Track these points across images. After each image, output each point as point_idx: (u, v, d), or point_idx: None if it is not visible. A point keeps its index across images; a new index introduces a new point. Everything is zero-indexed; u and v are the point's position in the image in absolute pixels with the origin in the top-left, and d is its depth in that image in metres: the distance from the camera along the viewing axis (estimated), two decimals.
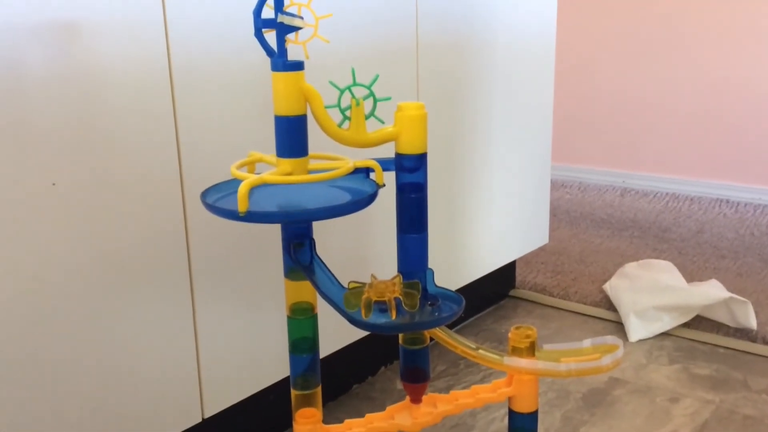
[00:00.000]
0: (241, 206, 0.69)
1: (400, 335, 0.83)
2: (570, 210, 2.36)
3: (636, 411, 1.24)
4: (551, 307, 1.66)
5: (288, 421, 1.14)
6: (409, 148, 0.75)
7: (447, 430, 1.19)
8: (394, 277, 0.74)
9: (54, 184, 0.78)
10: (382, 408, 0.86)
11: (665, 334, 1.50)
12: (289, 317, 0.80)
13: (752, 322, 1.47)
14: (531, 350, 0.80)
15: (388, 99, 0.78)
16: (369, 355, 1.34)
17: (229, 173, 0.91)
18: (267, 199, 0.74)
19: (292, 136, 0.74)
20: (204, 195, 0.75)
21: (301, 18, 0.73)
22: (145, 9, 0.83)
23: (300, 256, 0.77)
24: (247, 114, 0.97)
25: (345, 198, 0.74)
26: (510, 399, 0.82)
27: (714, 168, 2.52)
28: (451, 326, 0.80)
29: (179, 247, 0.91)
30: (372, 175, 0.78)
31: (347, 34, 1.08)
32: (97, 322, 0.85)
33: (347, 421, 0.82)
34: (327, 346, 1.12)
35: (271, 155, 0.77)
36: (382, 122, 0.76)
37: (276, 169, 0.75)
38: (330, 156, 0.79)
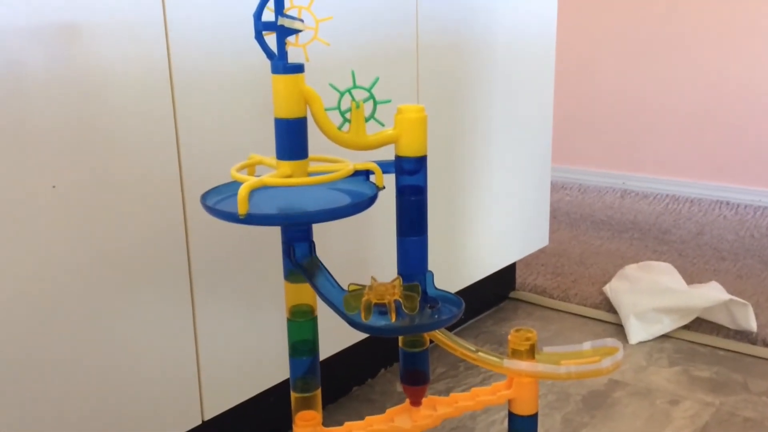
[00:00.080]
0: (241, 209, 0.69)
1: (400, 338, 0.83)
2: (570, 212, 2.36)
3: (636, 413, 1.24)
4: (551, 309, 1.66)
5: (288, 424, 1.14)
6: (409, 150, 0.75)
7: None
8: (394, 280, 0.74)
9: (54, 187, 0.78)
10: (381, 410, 0.86)
11: (665, 336, 1.50)
12: (288, 320, 0.80)
13: (752, 325, 1.47)
14: (531, 353, 0.80)
15: (388, 101, 0.78)
16: (369, 357, 1.34)
17: (228, 174, 0.91)
18: (267, 201, 0.74)
19: (292, 138, 0.74)
20: (204, 197, 0.75)
21: (302, 21, 0.73)
22: (145, 10, 0.83)
23: (300, 258, 0.77)
24: (247, 115, 0.97)
25: (345, 200, 0.74)
26: (510, 402, 0.82)
27: (714, 170, 2.52)
28: (450, 328, 0.80)
29: (179, 248, 0.91)
30: (372, 178, 0.78)
31: (347, 36, 1.08)
32: (97, 323, 0.85)
33: (347, 423, 0.82)
34: (327, 348, 1.12)
35: (271, 158, 0.77)
36: (382, 125, 0.76)
37: (276, 172, 0.75)
38: (330, 158, 0.79)
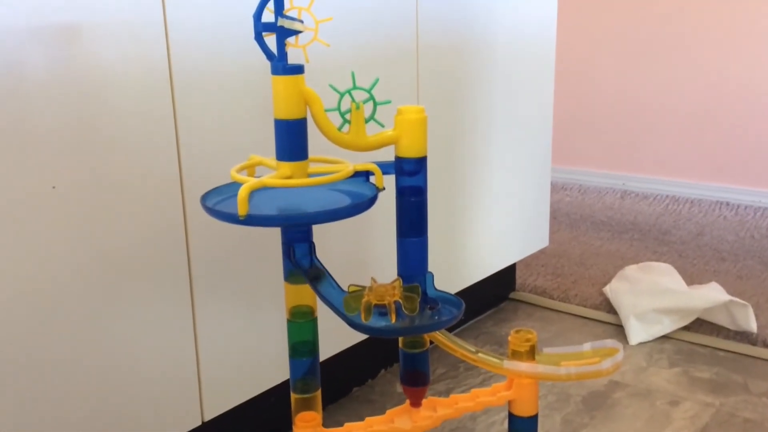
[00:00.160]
0: (241, 209, 0.69)
1: (400, 338, 0.83)
2: (570, 212, 2.36)
3: (636, 414, 1.24)
4: (551, 309, 1.66)
5: (288, 425, 1.14)
6: (409, 151, 0.75)
7: None
8: (394, 281, 0.74)
9: (54, 187, 0.78)
10: (382, 411, 0.86)
11: (665, 337, 1.50)
12: (288, 321, 0.80)
13: (752, 325, 1.47)
14: (531, 354, 0.80)
15: (388, 102, 0.78)
16: (369, 358, 1.34)
17: (228, 174, 0.91)
18: (267, 202, 0.74)
19: (292, 139, 0.74)
20: (204, 198, 0.75)
21: (301, 22, 0.73)
22: (145, 11, 0.83)
23: (300, 259, 0.77)
24: (247, 116, 0.97)
25: (345, 201, 0.74)
26: (510, 403, 0.82)
27: (714, 170, 2.52)
28: (450, 329, 0.80)
29: (179, 248, 0.91)
30: (372, 179, 0.78)
31: (347, 37, 1.08)
32: (97, 323, 0.84)
33: (347, 424, 0.82)
34: (327, 349, 1.12)
35: (271, 158, 0.77)
36: (382, 126, 0.76)
37: (276, 173, 0.75)
38: (330, 159, 0.79)
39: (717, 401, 1.28)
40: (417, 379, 0.83)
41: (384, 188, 0.77)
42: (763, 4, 2.36)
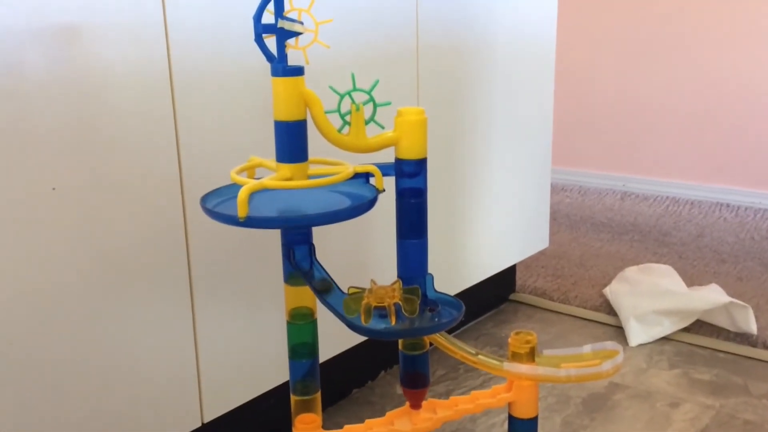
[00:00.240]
0: (241, 211, 0.69)
1: (400, 340, 0.83)
2: (570, 214, 2.35)
3: (636, 416, 1.24)
4: (551, 311, 1.66)
5: (288, 427, 1.14)
6: (409, 153, 0.75)
7: None
8: (394, 283, 0.74)
9: (54, 189, 0.78)
10: (381, 413, 0.86)
11: (665, 339, 1.50)
12: (288, 322, 0.80)
13: (752, 327, 1.47)
14: (531, 356, 0.80)
15: (388, 104, 0.78)
16: (369, 359, 1.34)
17: (228, 175, 0.91)
18: (267, 204, 0.74)
19: (292, 141, 0.74)
20: (204, 200, 0.75)
21: (302, 23, 0.73)
22: (145, 11, 0.83)
23: (299, 261, 0.77)
24: (247, 116, 0.96)
25: (345, 203, 0.74)
26: (510, 404, 0.82)
27: (714, 171, 2.52)
28: (450, 330, 0.80)
29: (179, 249, 0.91)
30: (372, 180, 0.78)
31: (347, 38, 1.08)
32: (97, 324, 0.84)
33: (347, 426, 0.82)
34: (327, 351, 1.12)
35: (271, 160, 0.77)
36: (382, 127, 0.76)
37: (276, 174, 0.75)
38: (330, 161, 0.79)
39: (717, 403, 1.28)
40: (417, 381, 0.83)
41: (384, 190, 0.77)
42: (763, 4, 2.36)
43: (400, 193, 0.76)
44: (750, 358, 1.43)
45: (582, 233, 2.15)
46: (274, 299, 1.03)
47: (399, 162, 0.76)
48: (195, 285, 0.94)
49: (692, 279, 1.78)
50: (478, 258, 1.45)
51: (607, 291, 1.65)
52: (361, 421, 0.83)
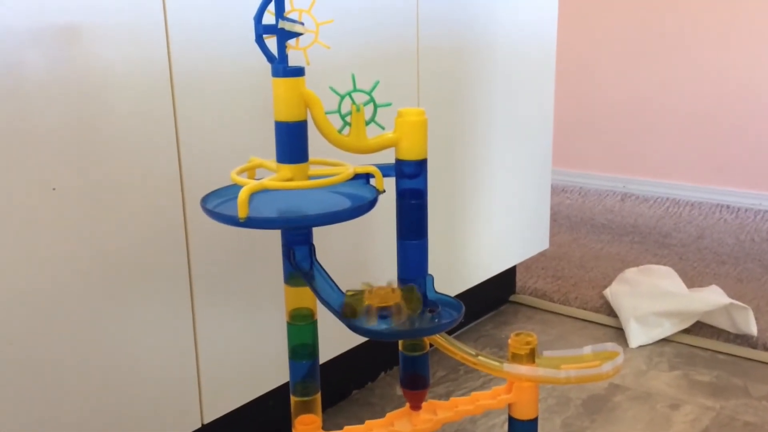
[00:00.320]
0: (241, 212, 0.69)
1: (400, 341, 0.83)
2: (570, 215, 2.35)
3: (636, 417, 1.24)
4: (551, 312, 1.66)
5: (288, 427, 1.13)
6: (410, 154, 0.75)
7: None
8: (391, 284, 0.74)
9: (54, 189, 0.78)
10: (381, 414, 0.86)
11: (665, 340, 1.50)
12: (288, 323, 0.80)
13: (753, 329, 1.46)
14: (531, 357, 0.79)
15: (389, 105, 0.77)
16: (369, 360, 1.34)
17: (229, 176, 0.91)
18: (267, 204, 0.73)
19: (292, 141, 0.74)
20: (204, 200, 0.75)
21: (302, 24, 0.73)
22: (145, 12, 0.83)
23: (300, 261, 0.77)
24: (248, 117, 0.96)
25: (345, 204, 0.74)
26: (510, 406, 0.82)
27: (715, 173, 2.52)
28: (450, 332, 0.80)
29: (179, 249, 0.91)
30: (372, 181, 0.78)
31: (348, 39, 1.08)
32: (97, 324, 0.84)
33: (347, 427, 0.82)
34: (326, 352, 1.12)
35: (271, 161, 0.77)
36: (383, 128, 0.76)
37: (276, 175, 0.74)
38: (330, 162, 0.79)
39: (717, 404, 1.27)
40: (417, 382, 0.83)
41: (384, 191, 0.77)
42: (763, 4, 2.36)
43: (401, 194, 0.76)
44: (750, 359, 1.43)
45: (582, 234, 2.15)
46: (274, 299, 1.03)
47: (399, 163, 0.76)
48: (195, 285, 0.94)
49: (692, 280, 1.78)
50: (478, 259, 1.45)
51: (608, 292, 1.65)
52: (361, 422, 0.83)
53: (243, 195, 0.69)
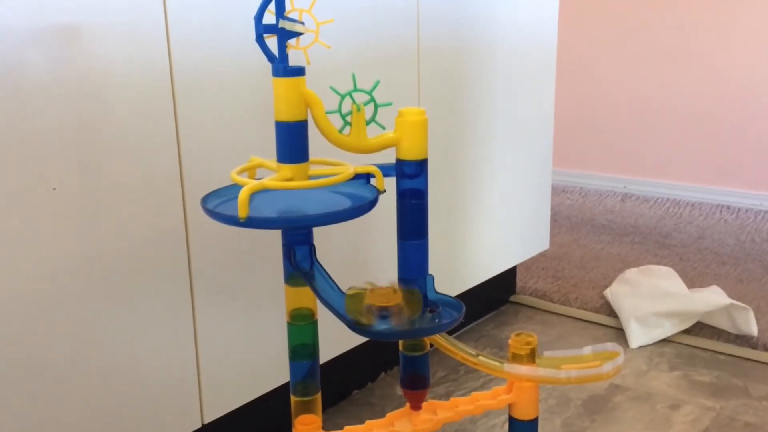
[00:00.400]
0: (242, 212, 0.68)
1: (400, 341, 0.83)
2: (570, 215, 2.35)
3: (636, 418, 1.24)
4: (552, 312, 1.66)
5: (288, 428, 1.13)
6: (410, 153, 0.75)
7: None
8: (393, 284, 0.74)
9: (54, 189, 0.78)
10: (381, 414, 0.85)
11: (666, 341, 1.50)
12: (289, 323, 0.80)
13: (753, 329, 1.46)
14: (531, 357, 0.79)
15: (389, 104, 0.77)
16: (369, 360, 1.34)
17: (229, 176, 0.91)
18: (267, 204, 0.73)
19: (292, 141, 0.73)
20: (204, 200, 0.75)
21: (303, 23, 0.73)
22: (145, 11, 0.83)
23: (300, 261, 0.77)
24: (248, 117, 0.96)
25: (345, 204, 0.74)
26: (510, 406, 0.82)
27: (715, 173, 2.52)
28: (451, 332, 0.80)
29: (179, 249, 0.91)
30: (372, 181, 0.78)
31: (348, 39, 1.08)
32: (97, 324, 0.84)
33: (347, 427, 0.82)
34: (327, 352, 1.11)
35: (271, 160, 0.77)
36: (383, 128, 0.76)
37: (276, 175, 0.74)
38: (331, 161, 0.79)
39: (717, 405, 1.27)
40: (417, 382, 0.83)
41: (385, 191, 0.77)
42: (763, 4, 2.36)
43: (401, 194, 0.76)
44: (750, 360, 1.43)
45: (582, 235, 2.15)
46: (274, 299, 1.03)
47: (400, 163, 0.75)
48: (195, 285, 0.94)
49: (693, 281, 1.78)
50: (478, 259, 1.45)
51: (608, 293, 1.65)
52: (362, 422, 0.83)
53: (243, 195, 0.69)
